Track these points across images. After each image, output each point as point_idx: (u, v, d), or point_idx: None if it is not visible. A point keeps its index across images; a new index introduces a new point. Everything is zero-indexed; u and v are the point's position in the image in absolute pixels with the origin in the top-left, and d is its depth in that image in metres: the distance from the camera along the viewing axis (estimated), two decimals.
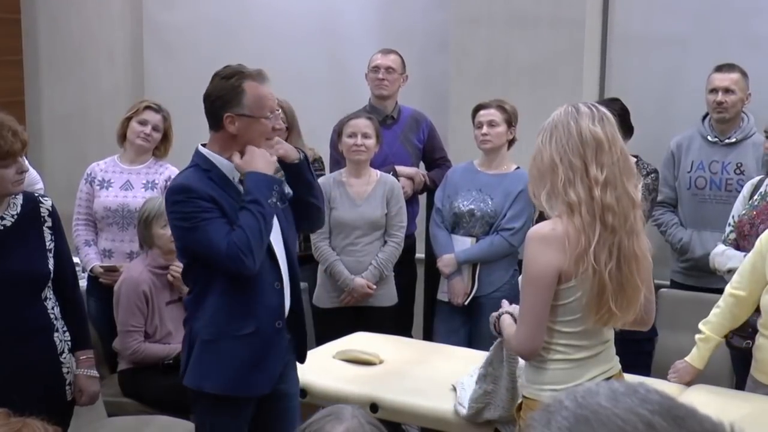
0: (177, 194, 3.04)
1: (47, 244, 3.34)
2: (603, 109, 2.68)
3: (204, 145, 3.14)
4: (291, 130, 4.78)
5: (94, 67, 6.58)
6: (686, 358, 3.54)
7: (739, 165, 4.52)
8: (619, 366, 2.84)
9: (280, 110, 3.16)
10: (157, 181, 4.64)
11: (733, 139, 4.55)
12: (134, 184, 4.63)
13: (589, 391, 1.09)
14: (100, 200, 4.62)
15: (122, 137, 4.70)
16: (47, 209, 3.37)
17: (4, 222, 3.27)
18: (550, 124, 2.65)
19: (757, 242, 3.51)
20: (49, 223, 3.36)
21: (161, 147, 4.71)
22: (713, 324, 3.53)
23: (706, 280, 4.52)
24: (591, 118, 2.61)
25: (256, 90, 3.06)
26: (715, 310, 3.56)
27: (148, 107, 4.66)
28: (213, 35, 6.28)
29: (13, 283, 3.22)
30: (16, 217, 3.29)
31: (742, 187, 4.37)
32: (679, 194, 4.69)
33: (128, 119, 4.67)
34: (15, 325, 3.24)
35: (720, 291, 4.29)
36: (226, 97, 3.04)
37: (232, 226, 2.99)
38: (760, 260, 3.44)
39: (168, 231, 4.13)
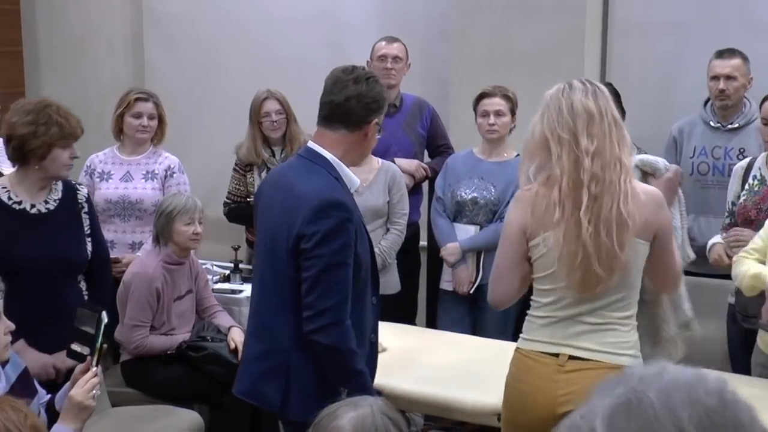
0: (340, 210, 2.84)
1: (85, 229, 3.49)
2: (597, 83, 2.78)
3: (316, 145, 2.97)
4: (290, 119, 4.81)
5: (94, 58, 6.57)
6: None
7: (741, 150, 4.49)
8: (623, 362, 2.72)
9: None
10: (156, 171, 4.63)
11: (736, 125, 4.53)
12: (134, 176, 4.63)
13: (657, 373, 1.04)
14: (100, 192, 4.61)
15: (118, 131, 4.68)
16: (84, 196, 3.54)
17: (48, 206, 3.40)
18: (543, 102, 2.78)
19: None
20: (86, 209, 3.52)
21: (157, 132, 4.69)
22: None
23: (709, 267, 4.51)
24: (584, 92, 2.73)
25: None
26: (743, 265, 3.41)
27: (137, 99, 4.63)
28: (213, 26, 6.27)
29: (56, 264, 3.35)
30: (57, 202, 3.43)
31: None
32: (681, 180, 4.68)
33: (121, 115, 4.65)
34: (54, 305, 3.31)
35: (722, 277, 4.30)
36: (381, 103, 2.95)
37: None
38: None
39: (190, 228, 4.13)
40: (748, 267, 3.39)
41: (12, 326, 2.77)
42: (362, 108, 2.90)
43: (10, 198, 3.35)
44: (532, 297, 2.87)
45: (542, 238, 2.74)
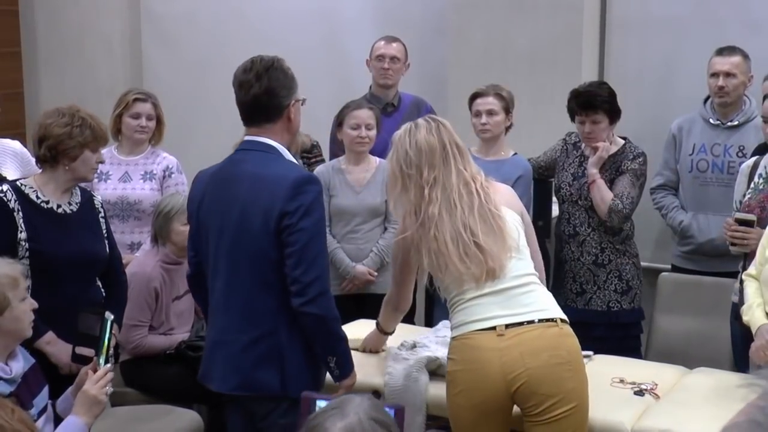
0: (315, 185, 3.03)
1: (103, 231, 3.60)
2: (440, 119, 3.15)
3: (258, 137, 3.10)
4: None
5: (93, 58, 6.58)
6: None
7: (741, 148, 4.48)
8: (554, 315, 2.99)
9: None
10: (155, 172, 4.63)
11: (735, 122, 4.52)
12: (132, 176, 4.62)
13: None
14: (99, 193, 4.59)
15: (116, 131, 4.68)
16: (99, 203, 3.67)
17: (71, 207, 3.50)
18: (393, 142, 3.11)
19: None
20: (102, 214, 3.63)
21: (155, 133, 4.70)
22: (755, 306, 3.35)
23: (707, 264, 4.51)
24: (428, 129, 3.07)
25: None
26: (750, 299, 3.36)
27: (136, 99, 4.64)
28: (211, 25, 6.27)
29: (82, 261, 3.46)
30: (79, 205, 3.53)
31: None
32: (680, 177, 4.67)
33: (119, 116, 4.65)
34: (80, 301, 3.32)
35: (721, 275, 4.29)
36: (290, 85, 3.11)
37: None
38: None
39: (188, 228, 4.13)
40: (747, 304, 3.37)
41: (35, 304, 2.88)
42: (274, 99, 3.06)
43: (38, 197, 3.43)
44: (448, 299, 3.08)
45: (418, 253, 3.04)
